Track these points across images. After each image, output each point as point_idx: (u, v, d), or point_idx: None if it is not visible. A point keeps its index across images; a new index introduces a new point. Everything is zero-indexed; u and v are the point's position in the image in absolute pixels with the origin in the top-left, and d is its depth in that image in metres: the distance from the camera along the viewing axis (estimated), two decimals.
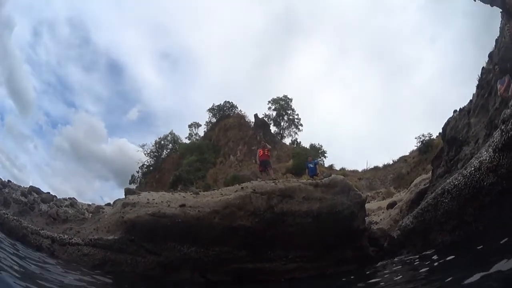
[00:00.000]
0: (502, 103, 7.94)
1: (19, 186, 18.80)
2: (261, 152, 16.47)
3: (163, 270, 10.96)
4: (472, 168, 6.35)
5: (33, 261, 9.59)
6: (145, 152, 53.33)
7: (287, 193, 11.34)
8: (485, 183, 5.95)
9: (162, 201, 11.53)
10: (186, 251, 10.83)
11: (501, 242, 5.24)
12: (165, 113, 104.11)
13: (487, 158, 5.80)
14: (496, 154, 5.51)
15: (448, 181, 7.66)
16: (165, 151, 54.57)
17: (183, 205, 11.05)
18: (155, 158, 53.68)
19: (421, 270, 7.36)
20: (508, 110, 5.33)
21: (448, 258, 6.76)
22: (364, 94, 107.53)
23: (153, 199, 11.74)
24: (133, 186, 48.23)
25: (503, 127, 5.33)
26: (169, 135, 55.18)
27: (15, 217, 13.20)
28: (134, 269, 10.99)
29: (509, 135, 5.07)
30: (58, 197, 19.51)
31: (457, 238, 7.42)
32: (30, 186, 19.40)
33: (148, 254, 11.04)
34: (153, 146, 54.00)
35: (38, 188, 19.32)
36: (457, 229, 7.46)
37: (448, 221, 7.67)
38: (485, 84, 11.35)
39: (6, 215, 13.13)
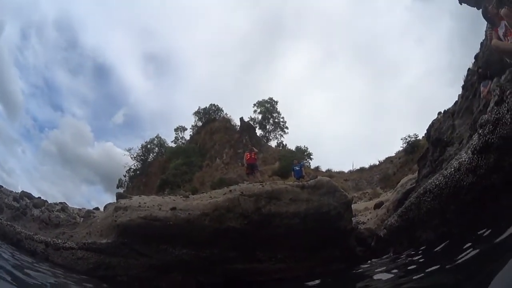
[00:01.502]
0: (486, 105, 8.16)
1: (11, 191, 18.77)
2: (248, 155, 16.78)
3: (155, 273, 11.10)
4: (452, 169, 6.60)
5: None
6: (132, 156, 53.47)
7: (274, 195, 11.54)
8: (464, 183, 6.20)
9: (153, 205, 11.71)
10: (177, 253, 11.01)
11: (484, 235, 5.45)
12: (151, 116, 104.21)
13: (466, 160, 6.06)
14: (475, 156, 5.78)
15: (429, 181, 7.94)
16: (151, 155, 54.89)
17: (173, 208, 11.23)
18: (141, 162, 53.88)
19: (409, 268, 7.47)
20: (485, 116, 5.58)
21: (435, 255, 7.01)
22: (350, 95, 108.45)
23: (145, 203, 11.91)
24: (120, 190, 48.22)
25: (480, 131, 5.59)
26: (155, 139, 55.58)
27: (8, 222, 13.27)
28: (126, 272, 11.14)
29: (486, 138, 5.34)
30: (48, 202, 19.51)
31: (441, 236, 7.65)
32: (22, 191, 19.40)
33: (140, 256, 11.19)
34: (139, 150, 54.18)
35: (30, 193, 19.33)
36: (440, 226, 7.69)
37: (431, 219, 7.88)
38: (469, 86, 11.61)
39: (0, 220, 13.21)
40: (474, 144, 5.77)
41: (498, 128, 4.99)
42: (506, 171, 5.20)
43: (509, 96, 4.78)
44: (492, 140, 5.17)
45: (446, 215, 7.31)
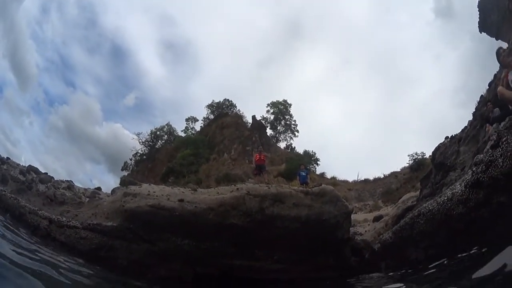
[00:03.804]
0: None
1: (18, 164, 19.22)
2: (258, 156, 17.12)
3: (155, 259, 11.57)
4: (445, 197, 7.06)
5: None
6: (140, 140, 53.52)
7: (278, 197, 11.91)
8: (454, 212, 6.64)
9: (162, 194, 12.15)
10: (179, 242, 11.46)
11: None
12: (163, 103, 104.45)
13: (459, 192, 6.50)
14: (467, 189, 6.22)
15: (424, 205, 8.36)
16: (160, 141, 54.71)
17: (181, 200, 11.65)
18: (149, 148, 53.79)
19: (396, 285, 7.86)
20: (481, 155, 6.01)
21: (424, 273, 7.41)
22: (363, 105, 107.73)
23: (154, 192, 12.36)
24: (125, 173, 48.81)
25: (474, 169, 6.04)
26: (166, 126, 55.49)
27: (12, 195, 13.65)
28: (128, 256, 11.61)
29: (478, 176, 5.78)
30: (54, 178, 19.86)
31: (430, 257, 8.05)
32: (29, 165, 19.96)
33: (143, 242, 11.67)
34: (148, 135, 54.17)
35: (37, 168, 19.82)
36: (430, 248, 8.11)
37: (422, 240, 8.32)
38: (478, 116, 11.92)
39: (4, 192, 13.59)
40: (467, 179, 6.22)
41: (490, 169, 5.43)
42: (493, 207, 5.63)
43: (504, 143, 5.20)
44: (483, 179, 5.60)
45: (436, 238, 7.72)
